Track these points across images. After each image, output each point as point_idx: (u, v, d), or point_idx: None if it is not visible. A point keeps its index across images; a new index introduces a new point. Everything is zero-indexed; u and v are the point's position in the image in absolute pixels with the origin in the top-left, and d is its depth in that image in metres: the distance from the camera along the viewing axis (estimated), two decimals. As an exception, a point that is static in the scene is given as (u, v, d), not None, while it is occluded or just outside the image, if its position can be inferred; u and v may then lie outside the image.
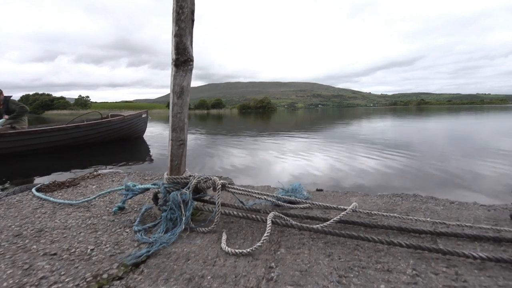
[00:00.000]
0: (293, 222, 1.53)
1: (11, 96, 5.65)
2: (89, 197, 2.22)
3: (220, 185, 1.67)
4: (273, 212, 1.61)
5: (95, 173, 3.05)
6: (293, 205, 1.95)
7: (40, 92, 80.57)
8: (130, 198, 1.93)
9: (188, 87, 1.76)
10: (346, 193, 2.36)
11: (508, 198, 2.74)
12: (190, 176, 1.82)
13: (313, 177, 3.62)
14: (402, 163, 4.38)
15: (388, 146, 6.07)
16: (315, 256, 1.34)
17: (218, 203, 1.61)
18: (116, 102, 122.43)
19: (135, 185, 1.93)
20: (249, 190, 1.80)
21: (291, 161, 4.74)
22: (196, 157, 5.46)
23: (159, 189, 1.80)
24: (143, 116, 8.27)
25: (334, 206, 1.92)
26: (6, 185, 3.53)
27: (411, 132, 9.66)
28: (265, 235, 1.41)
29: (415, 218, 1.59)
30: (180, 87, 1.72)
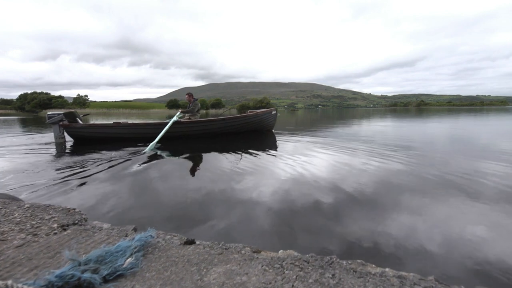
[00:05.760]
0: None
1: (196, 99, 8.22)
2: None
3: None
4: None
5: None
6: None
7: (39, 91, 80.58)
8: None
9: None
10: (222, 253, 1.40)
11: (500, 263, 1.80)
12: None
13: (236, 206, 2.69)
14: (377, 176, 3.42)
15: (375, 151, 5.09)
16: None
17: None
18: (116, 102, 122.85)
19: None
20: None
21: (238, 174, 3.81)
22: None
23: None
24: (273, 112, 9.33)
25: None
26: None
27: (409, 131, 8.62)
28: None
29: None
30: None
